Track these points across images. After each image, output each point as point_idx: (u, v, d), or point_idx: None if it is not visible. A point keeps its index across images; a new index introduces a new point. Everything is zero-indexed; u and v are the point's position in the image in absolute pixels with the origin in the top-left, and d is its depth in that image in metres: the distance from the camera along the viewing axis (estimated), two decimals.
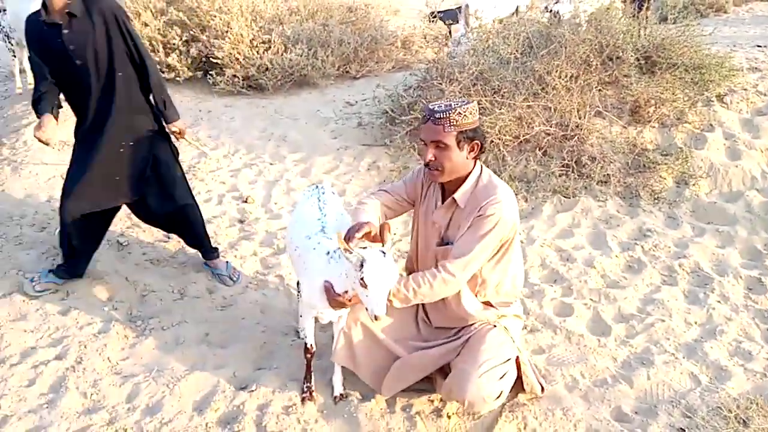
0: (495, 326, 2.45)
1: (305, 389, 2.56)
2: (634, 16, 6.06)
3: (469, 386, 2.27)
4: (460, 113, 2.20)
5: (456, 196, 2.34)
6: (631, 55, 4.65)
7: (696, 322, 3.05)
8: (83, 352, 2.78)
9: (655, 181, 4.12)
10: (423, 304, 2.53)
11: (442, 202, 2.41)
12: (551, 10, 6.21)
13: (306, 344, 2.55)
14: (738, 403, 2.50)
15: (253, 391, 2.58)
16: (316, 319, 2.54)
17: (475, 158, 2.34)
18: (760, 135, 4.42)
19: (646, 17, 9.67)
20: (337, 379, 2.59)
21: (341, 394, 2.58)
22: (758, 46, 7.48)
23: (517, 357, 2.48)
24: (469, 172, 2.34)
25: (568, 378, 2.67)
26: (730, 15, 13.72)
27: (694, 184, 4.07)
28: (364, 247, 2.11)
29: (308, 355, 2.56)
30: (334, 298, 2.25)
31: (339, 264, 2.21)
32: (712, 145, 4.35)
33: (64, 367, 2.69)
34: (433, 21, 8.57)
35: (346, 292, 2.20)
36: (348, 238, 2.16)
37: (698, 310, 3.13)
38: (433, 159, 2.26)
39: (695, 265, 3.45)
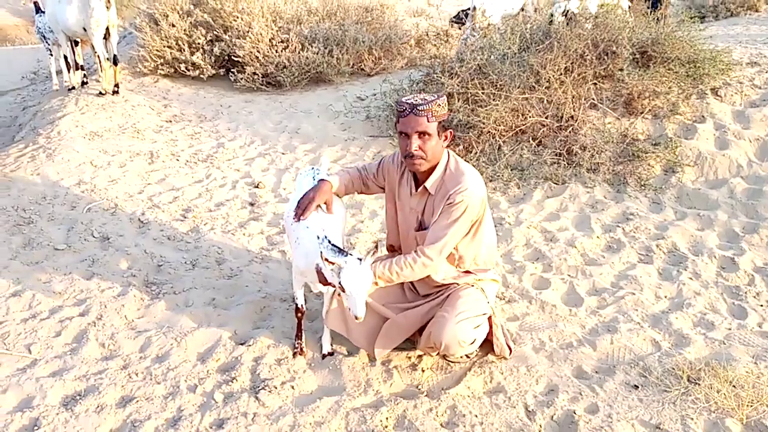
0: (473, 286, 2.72)
1: (296, 345, 2.85)
2: (646, 14, 6.19)
3: (446, 330, 2.54)
4: (439, 104, 2.44)
5: (427, 185, 2.57)
6: (626, 50, 4.83)
7: (666, 296, 3.25)
8: (103, 311, 3.13)
9: (643, 169, 4.31)
10: None
11: (416, 190, 2.64)
12: (566, 11, 6.32)
13: (297, 305, 2.84)
14: (693, 365, 2.69)
15: (250, 345, 2.89)
16: (307, 286, 2.83)
17: (447, 146, 2.61)
18: (751, 126, 4.57)
19: (664, 15, 9.77)
20: (326, 339, 2.88)
21: (329, 352, 2.86)
22: None
23: (490, 318, 2.74)
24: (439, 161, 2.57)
25: (536, 341, 2.91)
26: (761, 14, 13.66)
27: (680, 172, 4.25)
28: (346, 254, 2.33)
29: (299, 315, 2.84)
30: (322, 281, 2.50)
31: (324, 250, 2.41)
32: (702, 136, 4.51)
33: (86, 322, 3.04)
34: (452, 24, 8.85)
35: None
36: (305, 209, 2.59)
37: (669, 285, 3.33)
38: (418, 149, 2.46)
39: (672, 245, 3.64)
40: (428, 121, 2.42)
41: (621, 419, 2.43)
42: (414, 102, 2.43)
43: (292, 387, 2.65)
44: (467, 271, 2.74)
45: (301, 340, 2.87)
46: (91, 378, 2.67)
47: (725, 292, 3.26)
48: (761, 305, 3.15)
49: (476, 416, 2.47)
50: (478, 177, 2.59)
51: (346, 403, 2.54)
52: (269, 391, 2.60)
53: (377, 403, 2.56)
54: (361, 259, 2.31)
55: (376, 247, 2.39)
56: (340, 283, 2.29)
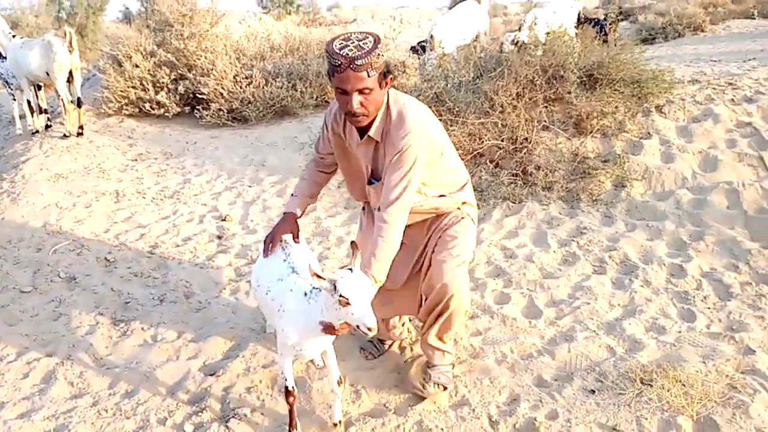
0: (463, 218, 2.63)
1: None
2: (595, 38, 6.49)
3: (446, 273, 2.49)
4: (378, 54, 2.16)
5: (371, 133, 2.36)
6: (573, 74, 5.08)
7: (619, 304, 3.41)
8: (71, 350, 3.15)
9: (594, 186, 4.51)
10: None
11: (361, 139, 2.42)
12: (516, 41, 6.61)
13: (287, 388, 2.46)
14: (645, 368, 2.83)
15: (219, 375, 2.94)
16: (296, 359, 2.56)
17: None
18: (694, 140, 4.83)
19: (614, 40, 10.22)
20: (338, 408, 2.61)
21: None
22: (712, 60, 8.00)
23: None
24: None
25: (498, 354, 3.02)
26: (708, 33, 14.40)
27: (629, 186, 4.46)
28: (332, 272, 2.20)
29: (291, 399, 2.47)
30: (331, 332, 2.24)
31: (318, 300, 2.22)
32: (648, 151, 4.75)
33: (54, 362, 3.05)
34: (411, 54, 9.14)
35: (344, 323, 2.19)
36: (271, 243, 2.52)
37: (622, 293, 3.48)
38: (360, 106, 2.21)
39: (624, 256, 3.82)
40: (368, 76, 2.17)
41: (579, 423, 2.54)
42: (350, 54, 2.13)
43: (262, 414, 2.70)
44: (441, 195, 2.57)
45: (297, 429, 2.51)
46: (60, 417, 2.68)
47: (675, 297, 3.43)
48: (708, 308, 3.32)
49: (442, 429, 2.56)
50: (420, 112, 2.37)
51: (314, 426, 2.60)
52: (239, 420, 2.65)
53: (346, 424, 2.62)
54: (351, 269, 2.13)
55: (355, 245, 2.20)
56: (340, 297, 2.06)
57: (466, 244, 2.62)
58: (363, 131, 2.40)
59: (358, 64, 2.12)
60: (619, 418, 2.56)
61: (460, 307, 2.59)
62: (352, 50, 2.14)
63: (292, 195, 2.77)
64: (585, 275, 3.69)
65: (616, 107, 5.08)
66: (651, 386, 2.70)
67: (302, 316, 2.28)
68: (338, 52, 2.14)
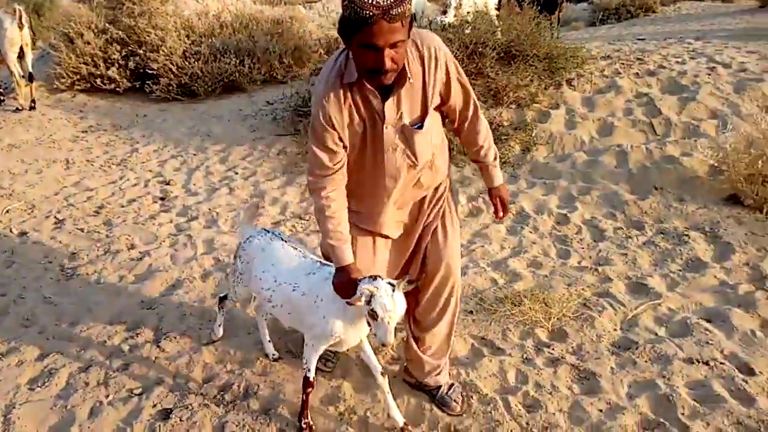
0: (450, 194, 2.59)
1: (303, 426, 2.48)
2: (535, 17, 6.93)
3: (446, 252, 2.46)
4: (409, 0, 1.80)
5: (412, 80, 2.02)
6: (492, 50, 5.57)
7: (509, 247, 3.94)
8: (22, 291, 3.54)
9: (505, 150, 5.03)
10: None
11: (383, 101, 2.03)
12: (440, 21, 7.08)
13: (308, 378, 2.41)
14: (517, 293, 3.37)
15: (154, 308, 3.37)
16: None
17: None
18: (595, 109, 5.39)
19: (558, 19, 10.67)
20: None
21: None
22: (639, 39, 8.60)
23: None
24: None
25: None
26: (658, 15, 15.11)
27: (535, 150, 5.00)
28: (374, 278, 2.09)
29: (309, 390, 2.44)
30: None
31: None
32: (555, 119, 5.29)
33: (6, 300, 3.44)
34: None
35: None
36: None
37: (513, 238, 4.02)
38: (392, 62, 1.85)
39: (520, 208, 4.36)
40: (402, 26, 1.79)
41: (457, 336, 3.05)
42: (382, 3, 1.73)
43: (190, 337, 3.15)
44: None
45: (308, 418, 2.47)
46: (11, 342, 3.09)
47: (556, 240, 3.98)
48: (582, 248, 3.88)
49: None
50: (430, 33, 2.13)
51: (234, 341, 3.06)
52: (170, 341, 3.10)
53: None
54: (393, 285, 2.06)
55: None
56: (371, 311, 2.04)
57: (457, 222, 2.61)
58: (384, 89, 2.01)
59: (393, 14, 1.74)
60: (489, 330, 3.09)
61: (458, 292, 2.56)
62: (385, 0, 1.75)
63: (331, 245, 2.20)
64: (485, 224, 4.22)
65: (531, 80, 5.60)
66: (519, 307, 3.24)
67: (341, 301, 2.18)
68: (367, 1, 1.75)
